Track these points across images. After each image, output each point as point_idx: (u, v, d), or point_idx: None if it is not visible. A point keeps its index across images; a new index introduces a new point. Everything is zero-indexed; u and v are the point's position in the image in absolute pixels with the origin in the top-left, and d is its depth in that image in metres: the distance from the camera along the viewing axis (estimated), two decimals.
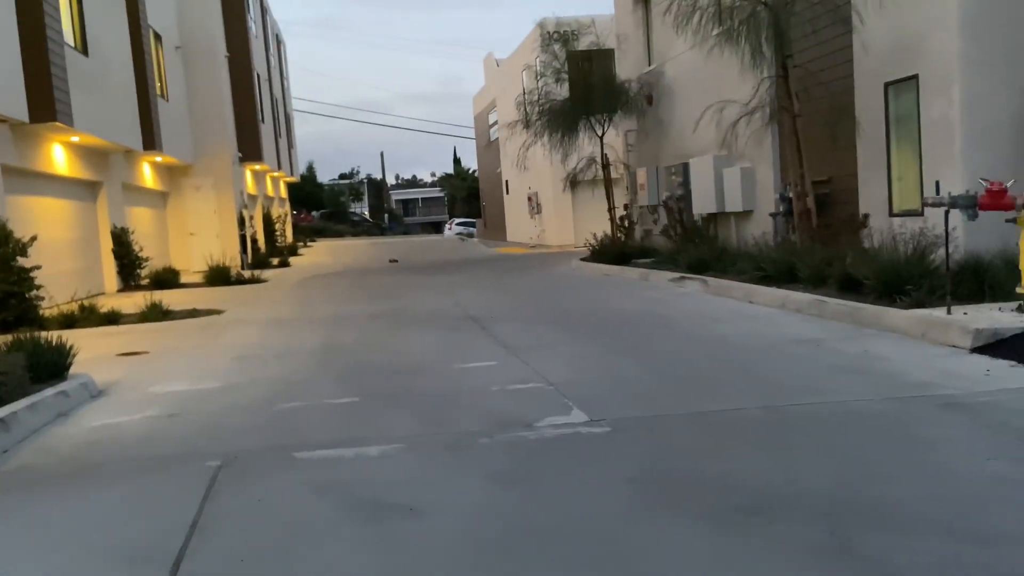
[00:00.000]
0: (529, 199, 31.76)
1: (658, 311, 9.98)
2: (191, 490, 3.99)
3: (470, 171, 62.06)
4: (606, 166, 19.09)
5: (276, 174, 32.16)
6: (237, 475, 4.26)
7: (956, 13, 9.20)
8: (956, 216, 7.23)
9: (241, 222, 22.91)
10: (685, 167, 16.30)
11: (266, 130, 27.98)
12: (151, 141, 17.65)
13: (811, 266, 9.38)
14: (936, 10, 9.51)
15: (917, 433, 4.44)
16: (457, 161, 72.37)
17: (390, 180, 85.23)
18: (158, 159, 19.79)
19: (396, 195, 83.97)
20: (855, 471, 3.86)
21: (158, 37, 19.70)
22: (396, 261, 17.10)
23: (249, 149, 24.73)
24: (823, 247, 10.05)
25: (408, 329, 9.43)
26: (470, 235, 45.09)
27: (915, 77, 9.85)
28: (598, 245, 17.87)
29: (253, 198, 26.92)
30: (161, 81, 19.55)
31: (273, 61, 32.51)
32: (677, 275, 12.64)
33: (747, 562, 2.98)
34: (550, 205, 29.12)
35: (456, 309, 11.07)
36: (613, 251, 16.95)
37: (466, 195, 60.09)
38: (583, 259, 17.90)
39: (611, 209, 18.95)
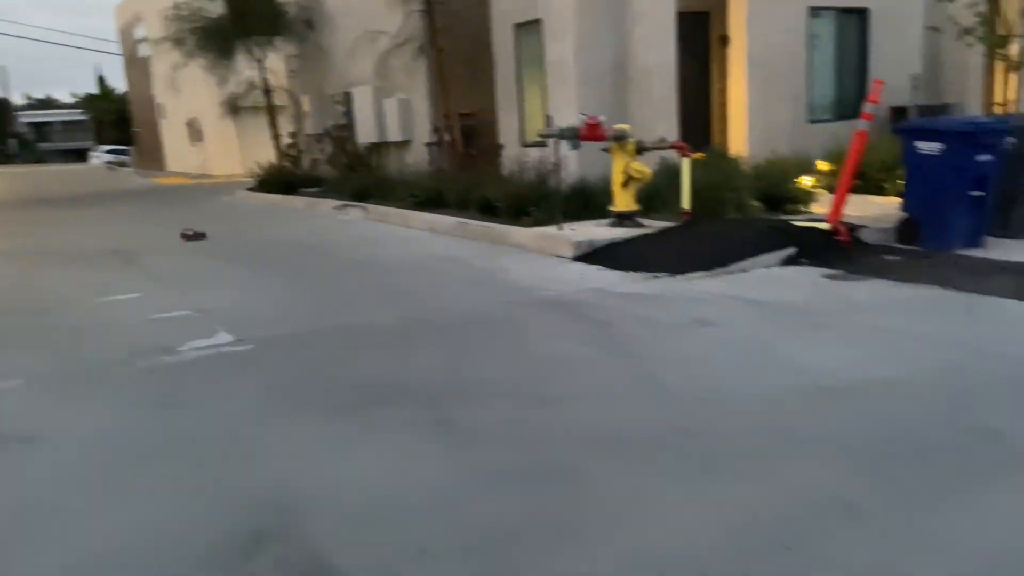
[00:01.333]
0: (189, 125, 29.54)
1: (319, 237, 10.25)
2: None
3: (118, 92, 55.43)
4: (268, 92, 18.50)
5: None
6: None
7: None
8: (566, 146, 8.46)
9: None
10: (348, 96, 16.47)
11: None
12: None
13: (456, 192, 10.30)
14: None
15: (516, 327, 5.36)
16: (101, 80, 64.10)
17: (18, 100, 72.87)
18: None
19: (27, 117, 72.01)
20: (463, 362, 4.59)
21: None
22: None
23: None
24: (468, 174, 11.04)
25: (42, 266, 8.61)
26: (121, 164, 40.76)
27: (539, 21, 11.08)
28: (264, 174, 17.45)
29: None
30: None
31: None
32: (340, 203, 12.96)
33: (361, 438, 3.53)
34: (212, 132, 27.40)
35: (102, 244, 10.27)
36: (280, 180, 16.69)
37: (115, 119, 53.70)
38: (249, 189, 17.39)
39: (276, 137, 18.51)
